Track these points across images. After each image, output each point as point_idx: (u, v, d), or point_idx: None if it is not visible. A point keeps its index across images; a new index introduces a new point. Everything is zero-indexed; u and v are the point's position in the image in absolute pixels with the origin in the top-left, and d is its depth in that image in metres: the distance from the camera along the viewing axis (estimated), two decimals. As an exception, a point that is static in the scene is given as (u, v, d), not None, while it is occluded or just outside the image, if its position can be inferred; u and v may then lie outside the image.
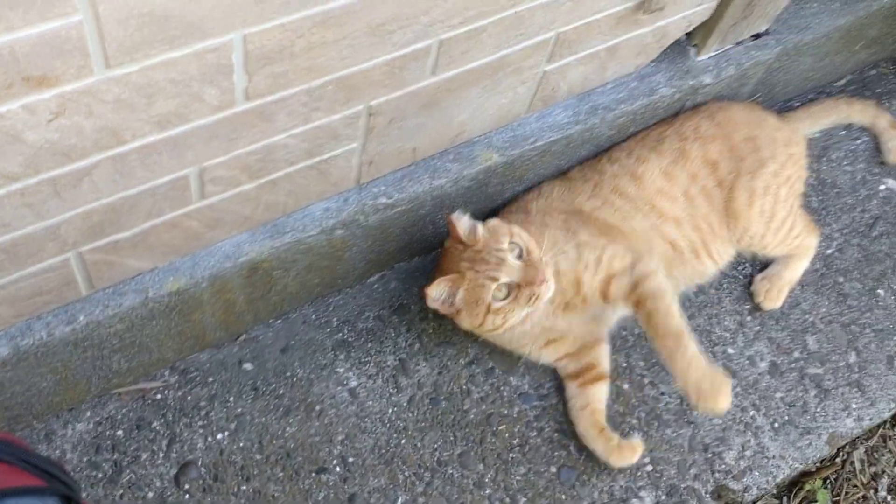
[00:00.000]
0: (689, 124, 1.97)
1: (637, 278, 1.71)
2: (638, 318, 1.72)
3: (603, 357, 1.89)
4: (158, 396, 1.80)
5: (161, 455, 1.75)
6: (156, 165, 1.31)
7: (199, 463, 1.75)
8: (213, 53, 1.18)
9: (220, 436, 1.78)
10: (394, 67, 1.43)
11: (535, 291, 1.64)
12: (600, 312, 1.85)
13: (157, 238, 1.49)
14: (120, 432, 1.76)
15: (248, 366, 1.86)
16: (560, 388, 1.91)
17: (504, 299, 1.66)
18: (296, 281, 1.80)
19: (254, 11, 1.15)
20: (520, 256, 1.66)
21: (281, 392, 1.84)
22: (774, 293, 2.02)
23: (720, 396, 1.59)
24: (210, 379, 1.84)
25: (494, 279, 1.63)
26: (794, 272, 2.04)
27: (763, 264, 2.09)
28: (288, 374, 1.86)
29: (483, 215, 2.01)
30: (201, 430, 1.78)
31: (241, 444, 1.78)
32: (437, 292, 1.67)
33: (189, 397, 1.81)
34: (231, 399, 1.82)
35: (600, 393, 1.87)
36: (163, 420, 1.78)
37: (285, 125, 1.41)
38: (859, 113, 2.27)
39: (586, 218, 1.84)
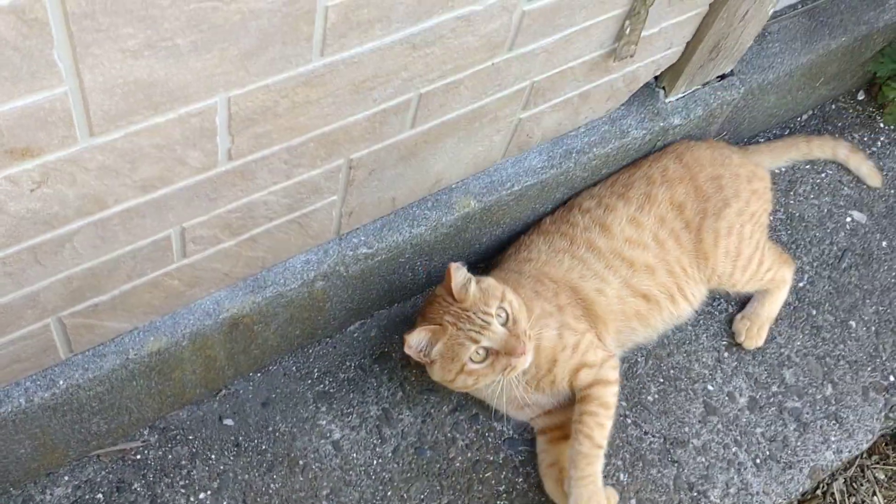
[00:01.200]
0: (657, 166, 2.00)
1: (599, 379, 1.78)
2: (576, 407, 1.78)
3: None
4: (138, 457, 1.76)
5: (142, 517, 1.71)
6: (138, 228, 1.30)
7: (182, 524, 1.72)
8: (198, 117, 1.17)
9: (202, 495, 1.75)
10: (374, 122, 1.44)
11: (512, 363, 1.63)
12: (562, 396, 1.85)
13: (137, 299, 1.46)
14: (100, 496, 1.72)
15: (229, 421, 1.83)
16: (544, 432, 1.91)
17: (480, 362, 1.65)
18: (276, 334, 1.78)
19: (238, 74, 1.15)
20: (505, 323, 1.65)
21: (264, 447, 1.81)
22: (755, 331, 2.05)
23: None
24: (191, 436, 1.80)
25: (475, 341, 1.63)
26: (773, 308, 2.07)
27: (740, 300, 2.12)
28: (270, 428, 1.84)
29: (461, 259, 2.01)
30: (183, 490, 1.75)
31: (225, 503, 1.74)
32: (416, 340, 1.66)
33: (170, 456, 1.78)
34: (213, 456, 1.79)
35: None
36: (143, 481, 1.74)
37: (266, 182, 1.40)
38: (818, 148, 2.33)
39: (573, 292, 1.84)
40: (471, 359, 1.64)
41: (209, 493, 1.75)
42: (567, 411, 1.87)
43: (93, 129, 1.08)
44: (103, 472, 1.73)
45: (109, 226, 1.25)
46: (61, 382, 1.48)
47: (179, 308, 1.58)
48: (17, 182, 1.07)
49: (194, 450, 1.79)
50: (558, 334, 1.78)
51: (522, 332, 1.65)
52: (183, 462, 1.77)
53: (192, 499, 1.74)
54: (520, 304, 1.69)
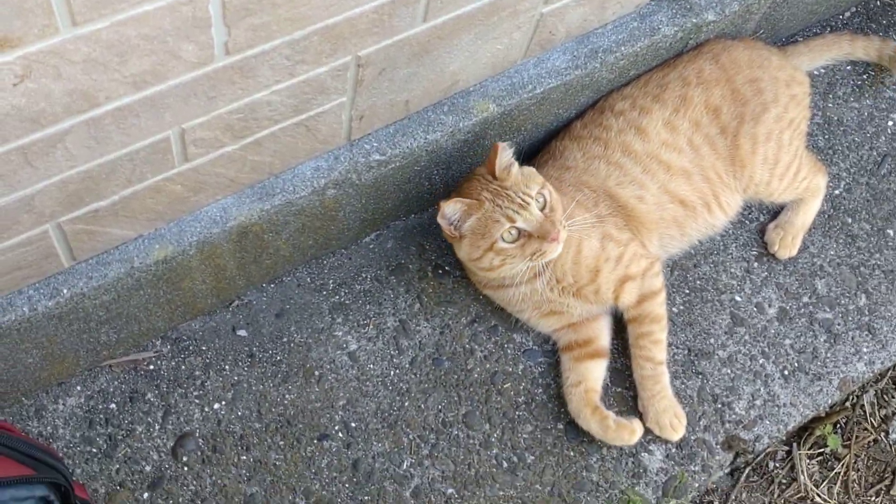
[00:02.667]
0: (691, 67, 1.88)
1: (645, 293, 1.78)
2: (629, 328, 1.81)
3: (603, 331, 1.83)
4: (151, 367, 1.74)
5: (157, 427, 1.70)
6: (133, 129, 1.23)
7: (197, 434, 1.70)
8: (189, 5, 1.09)
9: (217, 405, 1.73)
10: (382, 14, 1.34)
11: (543, 248, 1.60)
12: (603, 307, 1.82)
13: (139, 205, 1.41)
14: (113, 405, 1.70)
15: (242, 332, 1.80)
16: (565, 344, 1.86)
17: (511, 242, 1.62)
18: (288, 244, 1.73)
19: (230, -43, 1.07)
20: (542, 209, 1.62)
21: (278, 358, 1.79)
22: (789, 241, 1.96)
23: (676, 430, 1.77)
24: (204, 347, 1.78)
25: (511, 220, 1.60)
26: (807, 217, 1.98)
27: (771, 210, 2.03)
28: (284, 339, 1.80)
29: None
30: (197, 401, 1.73)
31: (240, 413, 1.73)
32: (451, 210, 1.62)
33: (183, 367, 1.75)
34: (227, 367, 1.76)
35: (596, 371, 1.79)
36: (157, 391, 1.73)
37: (269, 81, 1.32)
38: (862, 49, 2.18)
39: (613, 200, 1.79)
40: (502, 237, 1.61)
41: (223, 403, 1.73)
42: (593, 325, 1.81)
43: (75, 18, 1.01)
44: (116, 383, 1.72)
45: (102, 125, 1.19)
46: (65, 291, 1.44)
47: (185, 215, 1.52)
48: (-4, 75, 1.01)
49: (208, 360, 1.76)
50: (601, 245, 1.74)
51: (558, 220, 1.62)
52: (196, 373, 1.75)
53: (206, 409, 1.72)
54: (558, 198, 1.66)
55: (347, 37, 1.34)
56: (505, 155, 1.63)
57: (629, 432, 1.73)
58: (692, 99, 1.84)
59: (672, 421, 1.76)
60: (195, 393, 1.73)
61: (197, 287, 1.66)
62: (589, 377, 1.78)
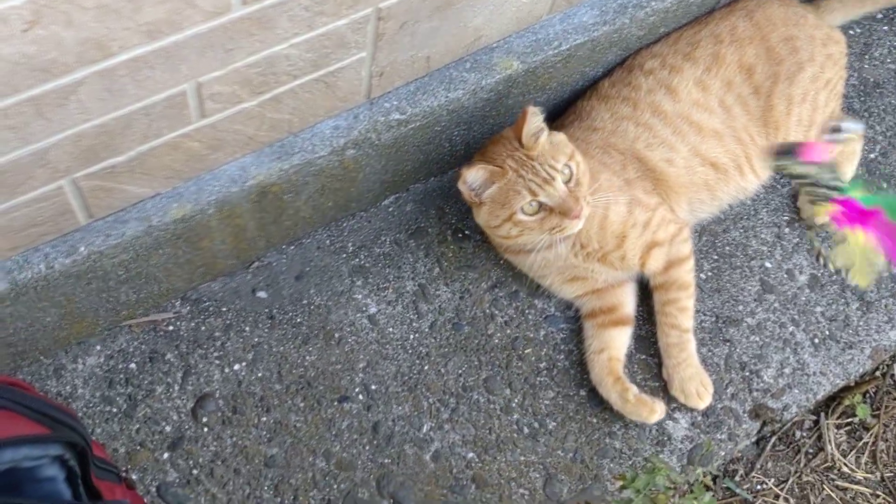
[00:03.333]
0: (724, 24, 1.82)
1: (672, 259, 1.74)
2: (654, 295, 1.78)
3: (628, 298, 1.78)
4: (171, 328, 1.73)
5: (177, 388, 1.69)
6: (148, 81, 1.21)
7: (217, 395, 1.69)
8: (203, -50, 1.06)
9: (237, 366, 1.72)
10: (404, -36, 1.30)
11: (563, 224, 1.57)
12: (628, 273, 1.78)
13: (156, 161, 1.39)
14: (133, 365, 1.70)
15: (262, 294, 1.78)
16: (589, 309, 1.82)
17: (531, 215, 1.58)
18: (308, 204, 1.70)
19: None
20: (567, 182, 1.58)
21: (298, 320, 1.77)
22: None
23: (703, 398, 1.72)
24: (224, 308, 1.76)
25: (533, 193, 1.56)
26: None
27: (802, 172, 1.97)
28: (304, 301, 1.78)
29: (503, 127, 1.89)
30: (217, 362, 1.72)
31: (260, 375, 1.72)
32: (473, 177, 1.58)
33: (203, 328, 1.74)
34: (247, 328, 1.75)
35: (620, 339, 1.76)
36: (177, 352, 1.72)
37: (287, 33, 1.29)
38: None
39: (641, 163, 1.74)
40: (522, 209, 1.57)
41: (244, 364, 1.72)
42: (617, 291, 1.77)
43: (85, -39, 0.98)
44: (135, 343, 1.71)
45: (116, 77, 1.16)
46: (82, 249, 1.43)
47: (203, 173, 1.50)
48: (5, 20, 0.98)
49: (228, 322, 1.75)
50: (628, 210, 1.69)
51: (583, 195, 1.58)
52: (216, 334, 1.74)
53: (226, 370, 1.71)
54: (586, 169, 1.61)
55: (368, -13, 1.30)
56: (534, 121, 1.58)
57: (648, 410, 1.68)
58: (725, 57, 1.78)
59: (699, 389, 1.72)
60: (215, 354, 1.72)
61: (216, 247, 1.65)
62: (612, 345, 1.74)
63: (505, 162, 1.58)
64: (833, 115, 1.86)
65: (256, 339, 1.74)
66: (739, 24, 1.81)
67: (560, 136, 1.63)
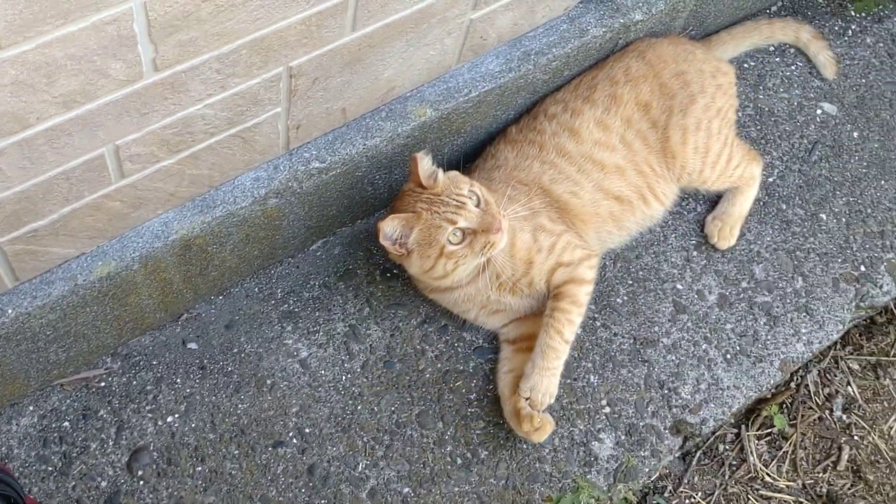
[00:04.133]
0: (619, 66, 1.94)
1: (573, 278, 1.78)
2: (548, 302, 1.78)
3: None
4: (102, 384, 1.75)
5: (111, 443, 1.71)
6: (67, 148, 1.25)
7: (151, 448, 1.71)
8: (113, 25, 1.12)
9: (170, 418, 1.75)
10: (310, 25, 1.38)
11: (491, 240, 1.63)
12: (540, 299, 1.84)
13: (79, 223, 1.43)
14: (66, 424, 1.71)
15: (192, 345, 1.82)
16: (513, 340, 1.90)
17: (458, 244, 1.64)
18: (233, 255, 1.75)
19: (150, -24, 1.09)
20: (477, 205, 1.65)
21: (229, 369, 1.80)
22: (727, 231, 2.02)
23: (545, 426, 1.74)
24: (154, 362, 1.79)
25: (452, 222, 1.62)
26: (743, 206, 2.04)
27: (708, 199, 2.09)
28: (235, 350, 1.82)
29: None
30: (150, 415, 1.74)
31: (193, 425, 1.74)
32: (390, 228, 1.63)
33: (134, 382, 1.77)
34: (178, 380, 1.78)
35: None
36: (109, 407, 1.74)
37: (201, 94, 1.35)
38: (780, 31, 2.27)
39: (546, 195, 1.82)
40: (449, 240, 1.63)
41: (177, 416, 1.75)
42: (538, 321, 1.85)
43: (0, 42, 1.03)
44: (68, 401, 1.73)
45: (35, 146, 1.21)
46: (10, 311, 1.45)
47: (126, 231, 1.54)
48: (-79, 100, 1.02)
49: (159, 375, 1.78)
50: (532, 237, 1.76)
51: (497, 211, 1.65)
52: (148, 387, 1.76)
53: (159, 423, 1.74)
54: (487, 192, 1.68)
55: (277, 49, 1.37)
56: (425, 163, 1.66)
57: (528, 423, 1.71)
58: (622, 97, 1.89)
59: (544, 398, 1.71)
60: (147, 408, 1.75)
61: (144, 302, 1.68)
62: (523, 366, 1.79)
63: (416, 206, 1.65)
64: (728, 141, 1.98)
65: (188, 391, 1.77)
66: (633, 64, 1.93)
67: (454, 172, 1.70)
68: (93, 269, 1.51)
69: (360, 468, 1.75)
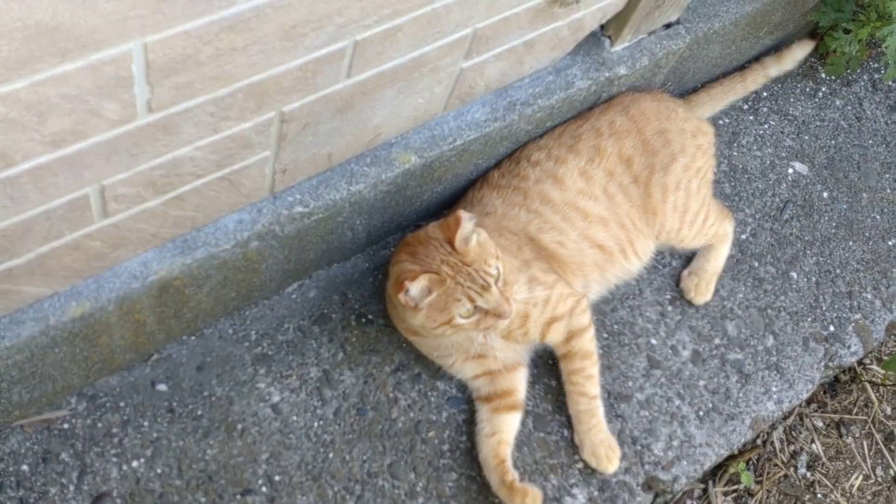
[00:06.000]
0: (603, 119, 1.96)
1: (573, 330, 1.83)
2: (560, 364, 1.87)
3: (521, 383, 1.85)
4: (66, 426, 1.68)
5: (72, 488, 1.64)
6: (51, 187, 1.21)
7: (115, 494, 1.65)
8: (111, 65, 1.08)
9: (135, 463, 1.68)
10: (307, 72, 1.36)
11: (497, 323, 1.63)
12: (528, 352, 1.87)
13: (56, 262, 1.37)
14: (25, 467, 1.64)
15: (162, 387, 1.76)
16: (489, 390, 1.88)
17: (467, 318, 1.63)
18: (210, 296, 1.71)
19: (154, 18, 1.06)
20: (496, 282, 1.63)
21: (199, 413, 1.75)
22: (703, 286, 2.04)
23: (612, 462, 1.82)
24: (121, 403, 1.73)
25: (472, 300, 1.60)
26: (718, 262, 2.07)
27: (684, 256, 2.11)
28: (205, 393, 1.77)
29: (402, 219, 1.96)
30: (115, 459, 1.68)
31: (159, 471, 1.68)
32: (416, 290, 1.59)
33: (99, 424, 1.70)
34: (145, 423, 1.72)
35: (512, 423, 1.81)
36: (72, 451, 1.67)
37: (192, 137, 1.32)
38: (752, 80, 2.32)
39: (535, 245, 1.83)
40: (460, 314, 1.62)
41: (142, 460, 1.68)
42: (512, 376, 1.83)
43: (-8, 79, 0.99)
44: (28, 444, 1.65)
45: (19, 184, 1.16)
46: (-25, 352, 1.39)
47: (104, 271, 1.49)
48: None
49: (126, 417, 1.72)
50: (528, 289, 1.76)
51: (511, 295, 1.65)
52: (114, 430, 1.70)
53: (124, 467, 1.67)
54: (503, 266, 1.66)
55: (272, 93, 1.35)
56: (467, 227, 1.62)
57: (521, 496, 1.70)
58: (605, 149, 1.91)
59: (607, 452, 1.81)
60: (112, 451, 1.68)
61: (115, 343, 1.62)
62: (504, 429, 1.80)
63: (440, 268, 1.61)
64: (705, 200, 2.01)
65: (155, 434, 1.71)
66: (617, 118, 1.95)
67: (484, 235, 1.66)
68: (66, 310, 1.45)
69: (330, 520, 1.71)
